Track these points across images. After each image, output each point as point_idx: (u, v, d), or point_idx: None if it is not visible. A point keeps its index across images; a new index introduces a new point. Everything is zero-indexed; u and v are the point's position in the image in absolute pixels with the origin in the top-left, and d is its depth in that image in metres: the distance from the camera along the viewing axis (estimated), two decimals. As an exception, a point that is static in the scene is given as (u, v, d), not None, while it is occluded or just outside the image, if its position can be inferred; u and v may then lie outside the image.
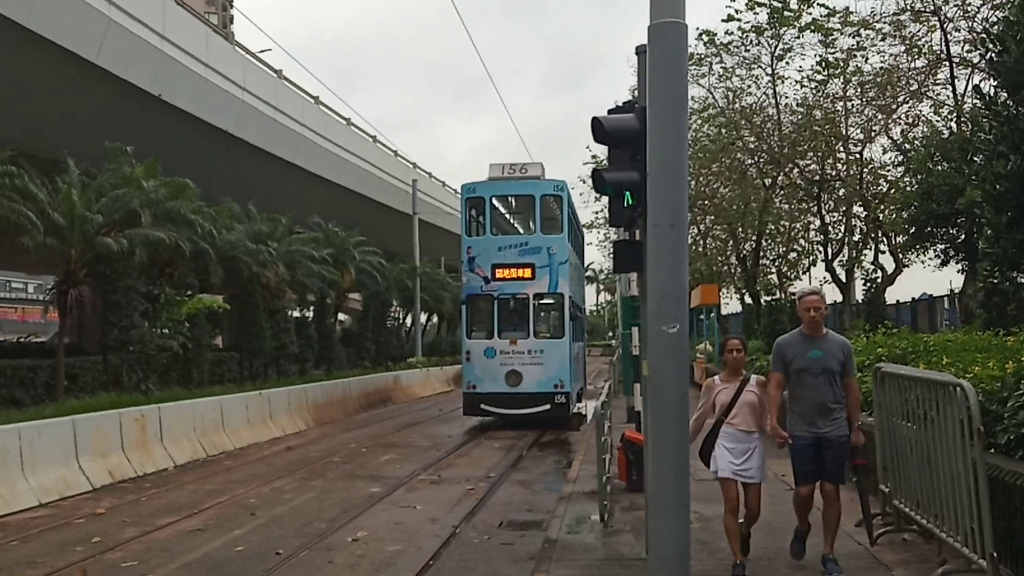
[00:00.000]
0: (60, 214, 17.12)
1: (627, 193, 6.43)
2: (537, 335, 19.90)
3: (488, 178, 20.70)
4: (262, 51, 30.00)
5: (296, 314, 31.50)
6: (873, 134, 23.83)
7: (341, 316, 39.95)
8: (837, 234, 26.19)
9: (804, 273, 31.07)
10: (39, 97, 19.55)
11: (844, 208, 25.29)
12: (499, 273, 19.86)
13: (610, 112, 7.37)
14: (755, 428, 6.52)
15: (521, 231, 22.94)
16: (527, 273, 19.81)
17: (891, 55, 21.95)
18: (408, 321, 45.26)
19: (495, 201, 21.06)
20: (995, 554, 5.50)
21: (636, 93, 7.64)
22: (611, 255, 8.87)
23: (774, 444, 6.54)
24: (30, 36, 16.88)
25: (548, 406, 19.29)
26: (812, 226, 27.52)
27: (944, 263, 18.35)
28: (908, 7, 20.34)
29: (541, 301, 20.14)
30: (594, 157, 29.70)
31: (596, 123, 6.41)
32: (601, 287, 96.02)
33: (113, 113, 20.93)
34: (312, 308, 31.72)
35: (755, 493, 6.55)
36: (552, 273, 19.77)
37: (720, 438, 6.56)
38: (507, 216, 23.59)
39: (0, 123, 19.58)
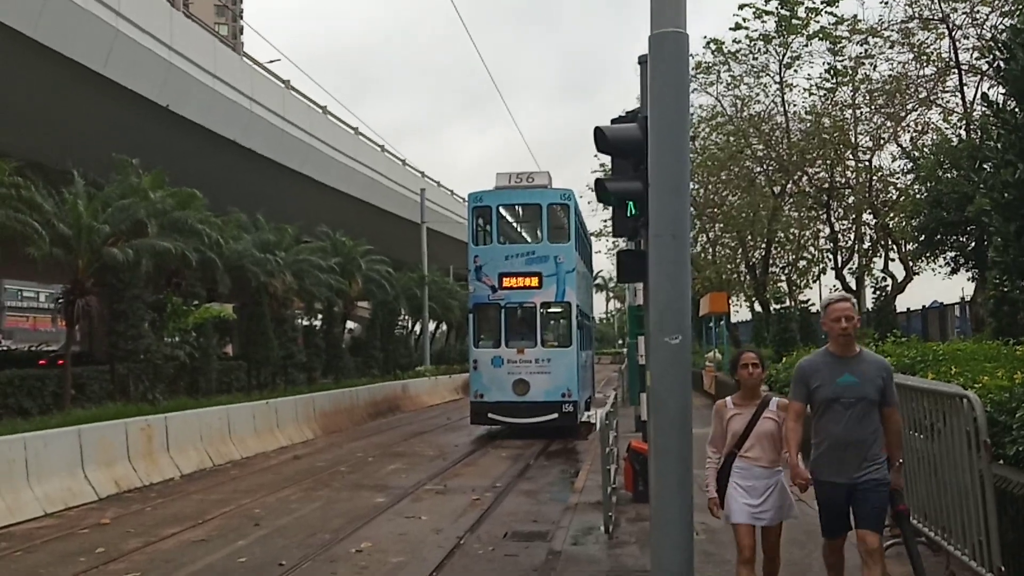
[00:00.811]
0: (66, 224, 17.16)
1: (630, 203, 6.35)
2: (544, 344, 19.80)
3: (495, 187, 20.66)
4: (270, 61, 30.17)
5: (304, 323, 31.52)
6: (882, 142, 23.84)
7: (349, 324, 39.94)
8: (847, 242, 26.13)
9: (815, 281, 30.98)
10: (45, 107, 19.62)
11: (853, 216, 25.23)
12: (506, 282, 19.76)
13: (613, 122, 7.33)
14: (777, 462, 5.43)
15: (528, 240, 22.87)
16: (534, 282, 19.69)
17: (900, 63, 22.00)
18: (416, 329, 45.26)
19: (502, 210, 21.01)
20: (1003, 568, 5.43)
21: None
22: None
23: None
24: (36, 47, 16.92)
25: (556, 415, 19.18)
26: (821, 234, 27.46)
27: (954, 271, 18.28)
28: (916, 15, 20.34)
29: (548, 310, 20.04)
30: (602, 166, 29.69)
31: (599, 133, 6.35)
32: (611, 295, 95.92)
33: (120, 123, 20.99)
34: (320, 317, 31.72)
35: (773, 535, 5.52)
36: (559, 282, 19.67)
37: (732, 475, 5.48)
38: (514, 225, 23.53)
39: (6, 133, 19.66)
